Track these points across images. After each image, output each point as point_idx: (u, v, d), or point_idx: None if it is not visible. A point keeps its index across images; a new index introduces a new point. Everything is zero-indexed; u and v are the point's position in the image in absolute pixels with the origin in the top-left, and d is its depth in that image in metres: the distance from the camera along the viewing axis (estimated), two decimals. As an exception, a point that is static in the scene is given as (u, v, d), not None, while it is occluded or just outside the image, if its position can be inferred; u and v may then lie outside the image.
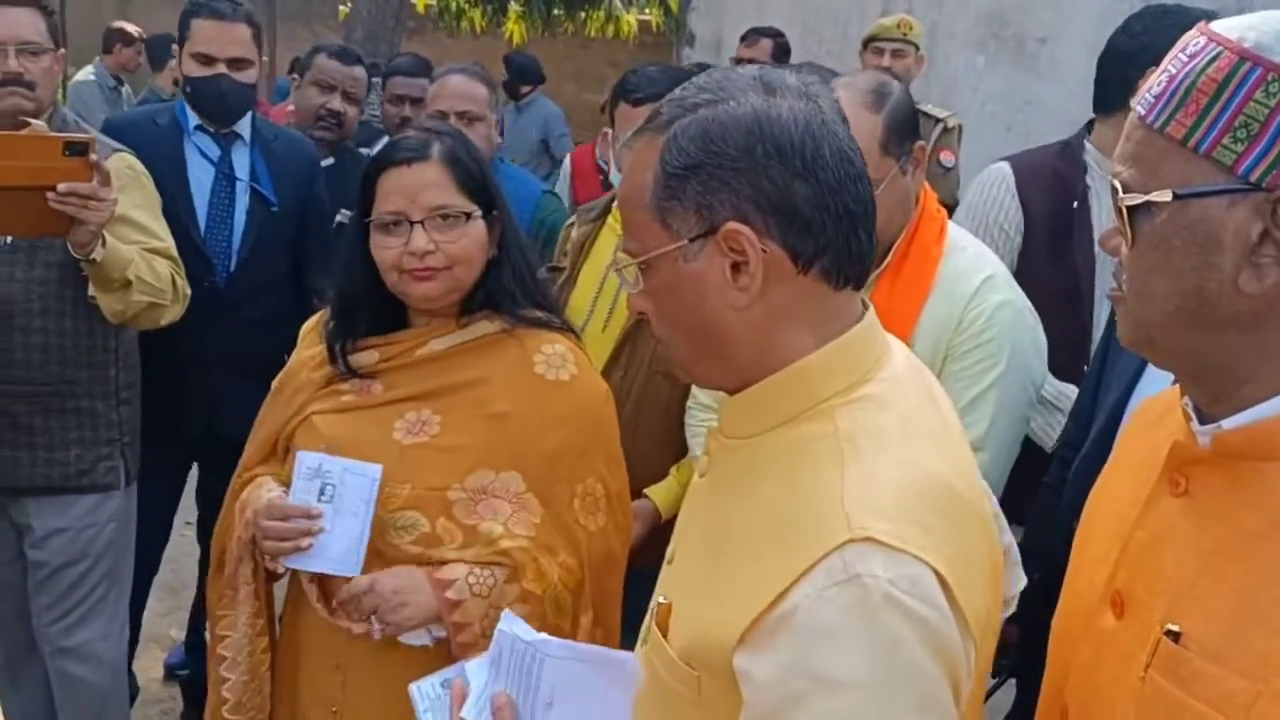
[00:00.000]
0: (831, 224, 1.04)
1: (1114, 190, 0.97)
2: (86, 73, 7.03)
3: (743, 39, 4.88)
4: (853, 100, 1.94)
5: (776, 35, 4.79)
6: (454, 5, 11.66)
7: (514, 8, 11.46)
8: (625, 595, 1.88)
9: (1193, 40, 0.94)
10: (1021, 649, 1.72)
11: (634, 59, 9.20)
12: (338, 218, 3.22)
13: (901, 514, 0.97)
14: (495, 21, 11.62)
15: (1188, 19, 2.12)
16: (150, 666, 3.56)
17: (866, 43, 4.28)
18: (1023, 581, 1.26)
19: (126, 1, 12.23)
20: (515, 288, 1.83)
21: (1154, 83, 0.96)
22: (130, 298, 2.38)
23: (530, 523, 1.75)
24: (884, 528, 0.95)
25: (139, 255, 2.39)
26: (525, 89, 6.95)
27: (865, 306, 1.12)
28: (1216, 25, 0.94)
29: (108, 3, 11.75)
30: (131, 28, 7.23)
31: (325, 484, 1.71)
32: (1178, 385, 1.06)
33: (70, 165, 2.16)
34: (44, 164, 2.15)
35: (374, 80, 4.23)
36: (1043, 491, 2.06)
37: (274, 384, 1.94)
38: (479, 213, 1.78)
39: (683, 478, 2.35)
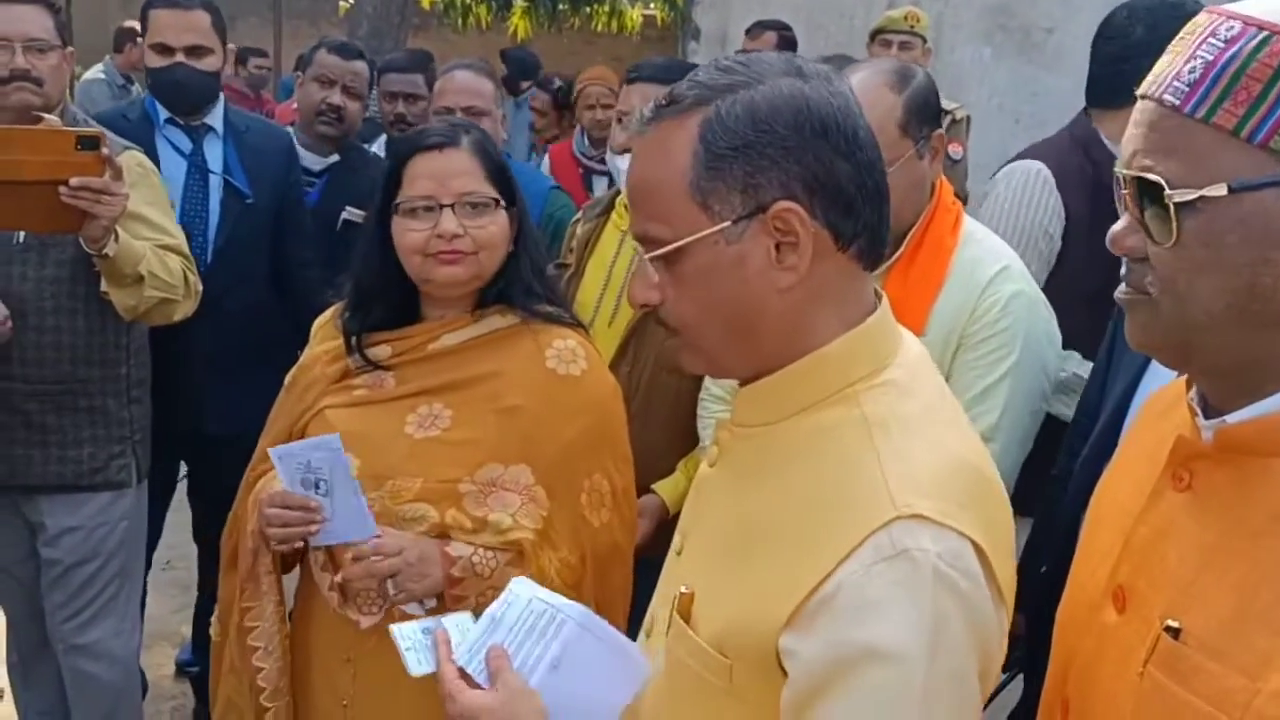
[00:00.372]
0: (869, 204, 1.05)
1: (1141, 185, 0.92)
2: (96, 71, 7.05)
3: (748, 32, 4.87)
4: (875, 79, 1.97)
5: (782, 28, 4.77)
6: (459, 1, 11.65)
7: (519, 3, 11.45)
8: (634, 589, 1.89)
9: (1222, 24, 0.90)
10: (1029, 642, 1.72)
11: (638, 54, 9.20)
12: (343, 215, 3.23)
13: (941, 491, 0.99)
14: (500, 17, 11.62)
15: (1198, 9, 2.10)
16: (161, 663, 3.58)
17: (874, 35, 4.28)
18: None
19: (131, 1, 12.25)
20: (531, 281, 1.85)
21: (1178, 70, 0.91)
22: (143, 293, 2.39)
23: (538, 515, 1.76)
24: (929, 504, 0.97)
25: (151, 251, 2.40)
26: (525, 84, 6.94)
27: (879, 295, 1.12)
28: (1241, 9, 0.91)
29: (113, 2, 11.77)
30: None
31: (319, 479, 1.73)
32: (1185, 377, 1.04)
33: (83, 160, 2.17)
34: (57, 158, 2.16)
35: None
36: (1050, 484, 2.06)
37: (287, 379, 1.95)
38: (504, 203, 1.79)
39: (690, 472, 2.35)
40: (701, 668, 1.06)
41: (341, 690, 1.82)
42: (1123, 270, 0.98)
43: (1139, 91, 0.96)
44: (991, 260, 2.02)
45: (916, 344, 1.14)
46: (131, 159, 2.46)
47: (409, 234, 1.75)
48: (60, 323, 2.45)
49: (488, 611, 1.25)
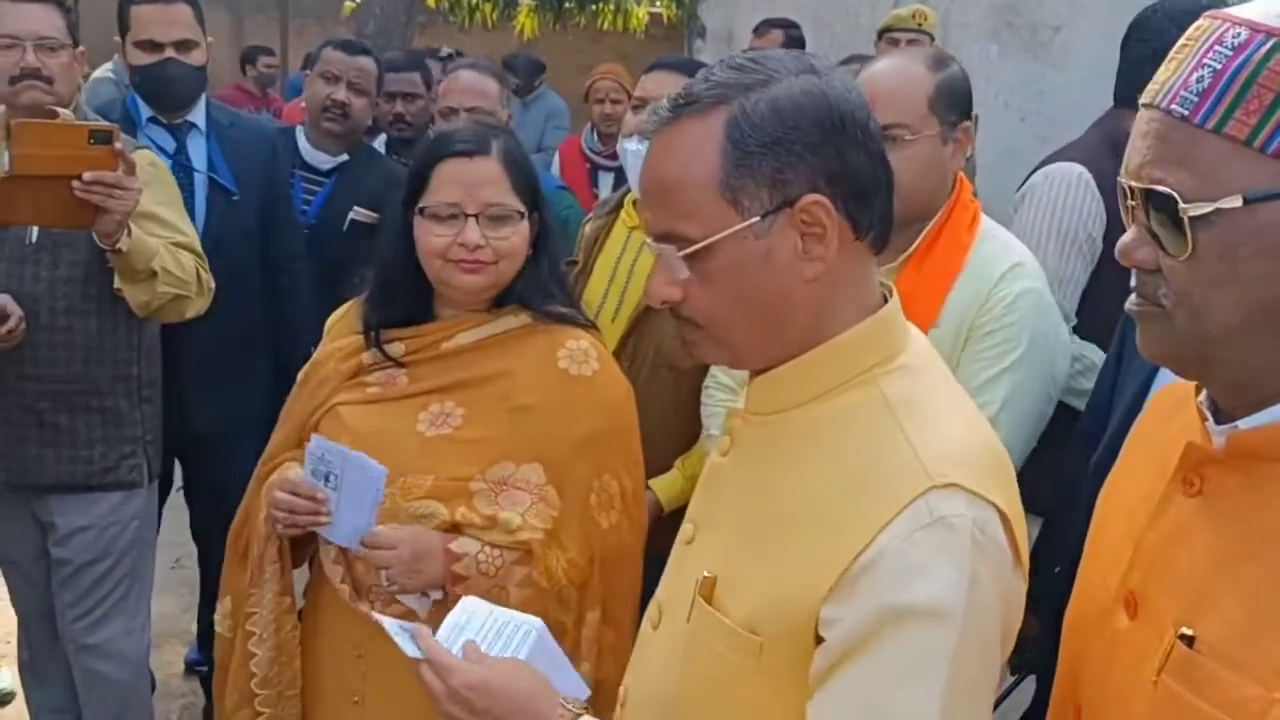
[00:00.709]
0: (882, 194, 1.10)
1: (1152, 197, 0.91)
2: (104, 70, 7.04)
3: (755, 30, 4.87)
4: (913, 57, 2.03)
5: (788, 26, 4.77)
6: (465, 0, 11.66)
7: (525, 1, 11.45)
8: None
9: (1228, 31, 0.88)
10: (1041, 644, 1.72)
11: (644, 52, 9.19)
12: (350, 215, 3.23)
13: (969, 462, 1.04)
14: (506, 15, 11.62)
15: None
16: (171, 661, 3.59)
17: (881, 34, 4.27)
18: None
19: (139, 0, 12.23)
20: (549, 284, 1.85)
21: (1184, 78, 0.89)
22: (156, 289, 2.40)
23: (549, 515, 1.77)
24: (961, 473, 1.01)
25: (164, 247, 2.41)
26: (536, 82, 6.95)
27: (890, 290, 1.15)
28: (1245, 13, 0.88)
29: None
30: None
31: (329, 473, 1.74)
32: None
33: (95, 154, 2.18)
34: (70, 153, 2.17)
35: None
36: (1060, 484, 2.06)
37: (300, 375, 1.96)
38: (528, 213, 1.79)
39: (687, 470, 2.36)
40: (729, 649, 1.08)
41: (352, 686, 1.83)
42: (1133, 281, 0.97)
43: (1143, 100, 0.94)
44: (1006, 257, 2.02)
45: (922, 337, 1.17)
46: (144, 158, 2.47)
47: (432, 238, 1.76)
48: (72, 323, 2.46)
49: (448, 621, 1.28)
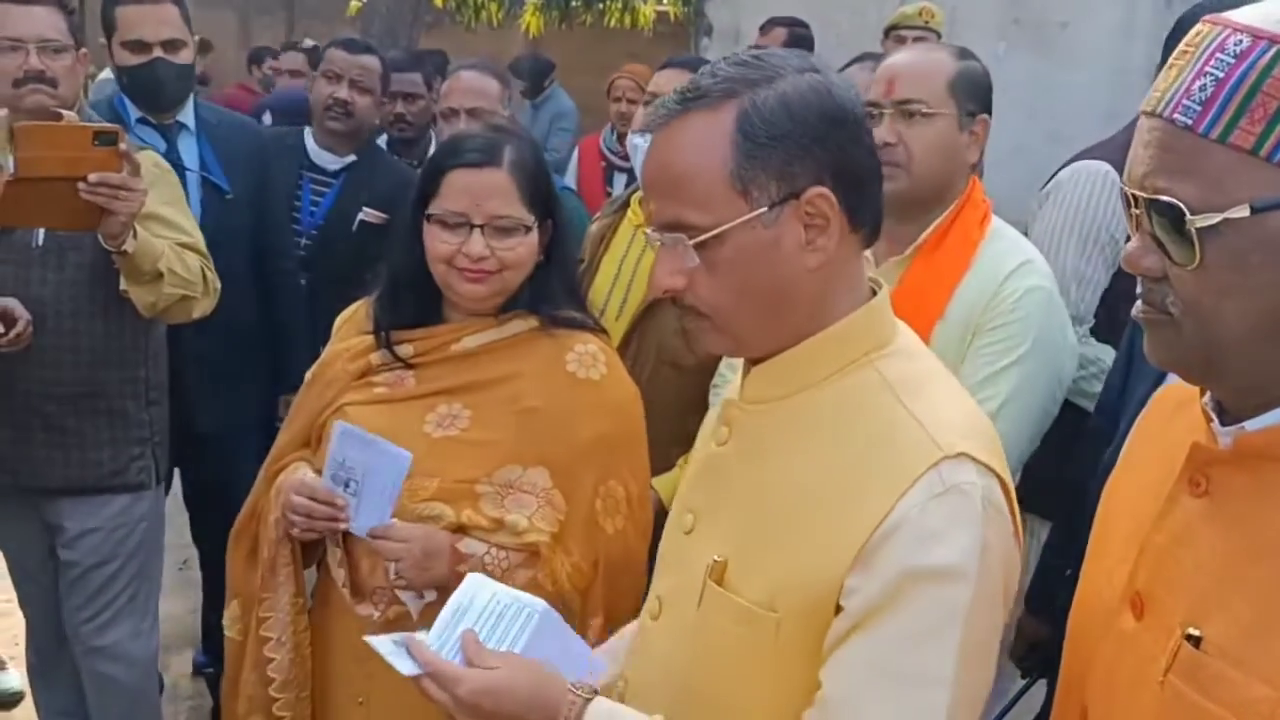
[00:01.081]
0: (876, 187, 1.16)
1: (1154, 207, 0.90)
2: (108, 71, 7.05)
3: (761, 29, 4.85)
4: (936, 47, 2.11)
5: (795, 24, 4.75)
6: (471, -1, 11.67)
7: (531, 0, 11.45)
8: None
9: (1230, 38, 0.88)
10: (1051, 647, 1.71)
11: (651, 50, 9.18)
12: (360, 216, 3.23)
13: (973, 434, 1.10)
14: (512, 14, 11.62)
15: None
16: (178, 663, 3.59)
17: (888, 31, 4.26)
18: None
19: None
20: (558, 291, 1.85)
21: (1186, 87, 0.89)
22: (162, 290, 2.40)
23: (555, 518, 1.77)
24: (969, 444, 1.08)
25: (170, 248, 2.41)
26: (545, 84, 6.94)
27: (878, 283, 1.21)
28: (1246, 19, 0.88)
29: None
30: None
31: (350, 479, 1.74)
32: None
33: (101, 155, 2.18)
34: (75, 154, 2.16)
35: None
36: (1069, 488, 2.05)
37: (308, 375, 1.96)
38: (536, 224, 1.79)
39: (689, 469, 2.36)
40: (745, 628, 1.12)
41: (357, 687, 1.83)
42: (1139, 289, 0.97)
43: (1144, 108, 0.93)
44: (1015, 254, 2.03)
45: (909, 329, 1.23)
46: (148, 159, 2.47)
47: (438, 244, 1.76)
48: (79, 326, 2.46)
49: (452, 600, 1.29)
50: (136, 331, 2.54)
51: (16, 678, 3.38)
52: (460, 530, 1.75)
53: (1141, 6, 5.23)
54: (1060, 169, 2.60)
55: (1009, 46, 6.41)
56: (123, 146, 2.20)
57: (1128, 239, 0.83)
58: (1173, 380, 1.09)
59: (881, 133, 2.00)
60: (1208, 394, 1.01)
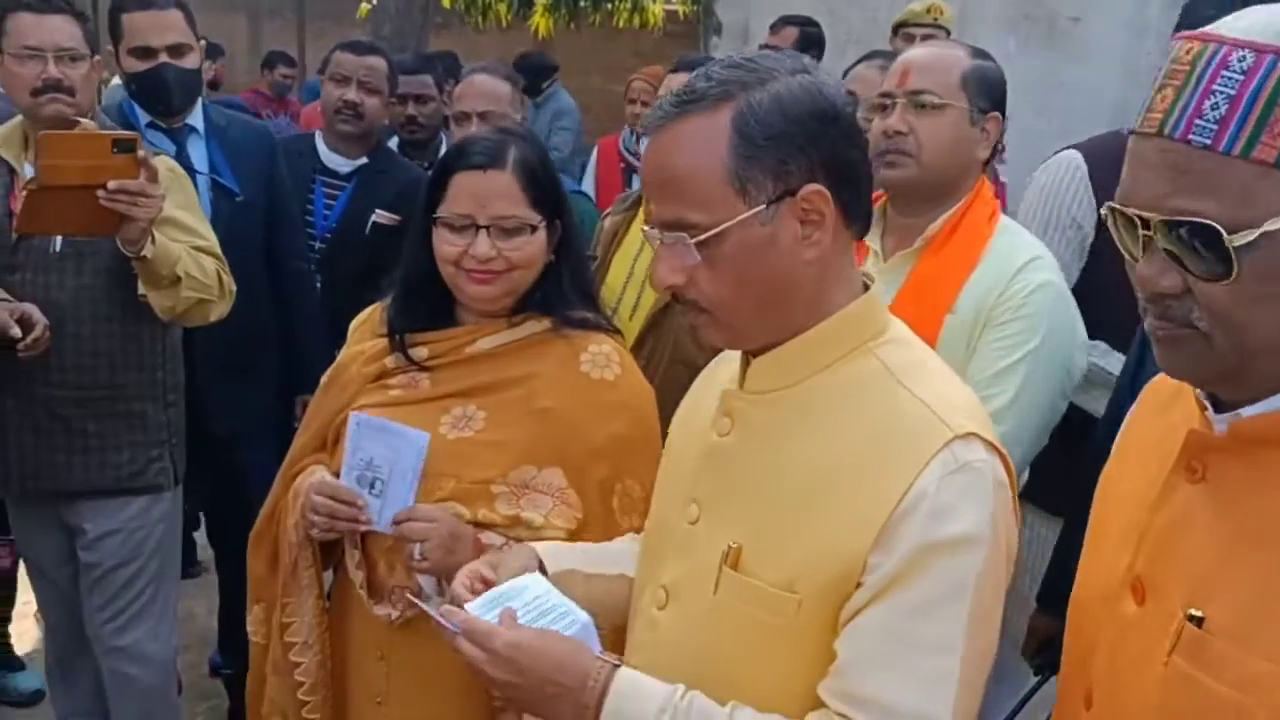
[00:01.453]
0: (868, 184, 1.20)
1: (1180, 228, 0.90)
2: (119, 78, 7.08)
3: (771, 27, 4.85)
4: (953, 44, 2.14)
5: (805, 23, 4.74)
6: (481, 0, 11.67)
7: (540, 0, 11.45)
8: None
9: (1232, 54, 0.89)
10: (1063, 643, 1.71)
11: (660, 49, 9.19)
12: (372, 218, 3.24)
13: (977, 414, 1.17)
14: (521, 15, 11.62)
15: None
16: (197, 663, 3.61)
17: (896, 29, 4.25)
18: None
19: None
20: (570, 291, 1.86)
21: (1195, 106, 0.90)
22: (179, 294, 2.42)
23: (572, 516, 1.78)
24: (975, 424, 1.14)
25: (186, 253, 2.43)
26: (544, 85, 6.93)
27: (869, 278, 1.26)
28: (1238, 34, 0.89)
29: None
30: None
31: (376, 478, 1.75)
32: None
33: (119, 162, 2.21)
34: (94, 162, 2.19)
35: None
36: (1083, 485, 2.05)
37: (324, 378, 1.97)
38: (543, 223, 1.80)
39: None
40: (764, 611, 1.17)
41: (376, 687, 1.85)
42: (1150, 306, 0.97)
43: (1143, 130, 0.94)
44: (1025, 249, 2.04)
45: (899, 320, 1.28)
46: (162, 164, 2.48)
47: (445, 246, 1.78)
48: (98, 330, 2.48)
49: (504, 584, 1.32)
50: (154, 334, 2.56)
51: (36, 677, 3.41)
52: (475, 527, 1.76)
53: (1153, 2, 5.20)
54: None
55: (1019, 42, 6.39)
56: (141, 153, 2.23)
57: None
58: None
59: (892, 122, 2.02)
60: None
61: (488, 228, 1.75)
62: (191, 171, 2.85)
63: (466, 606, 1.27)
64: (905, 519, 1.10)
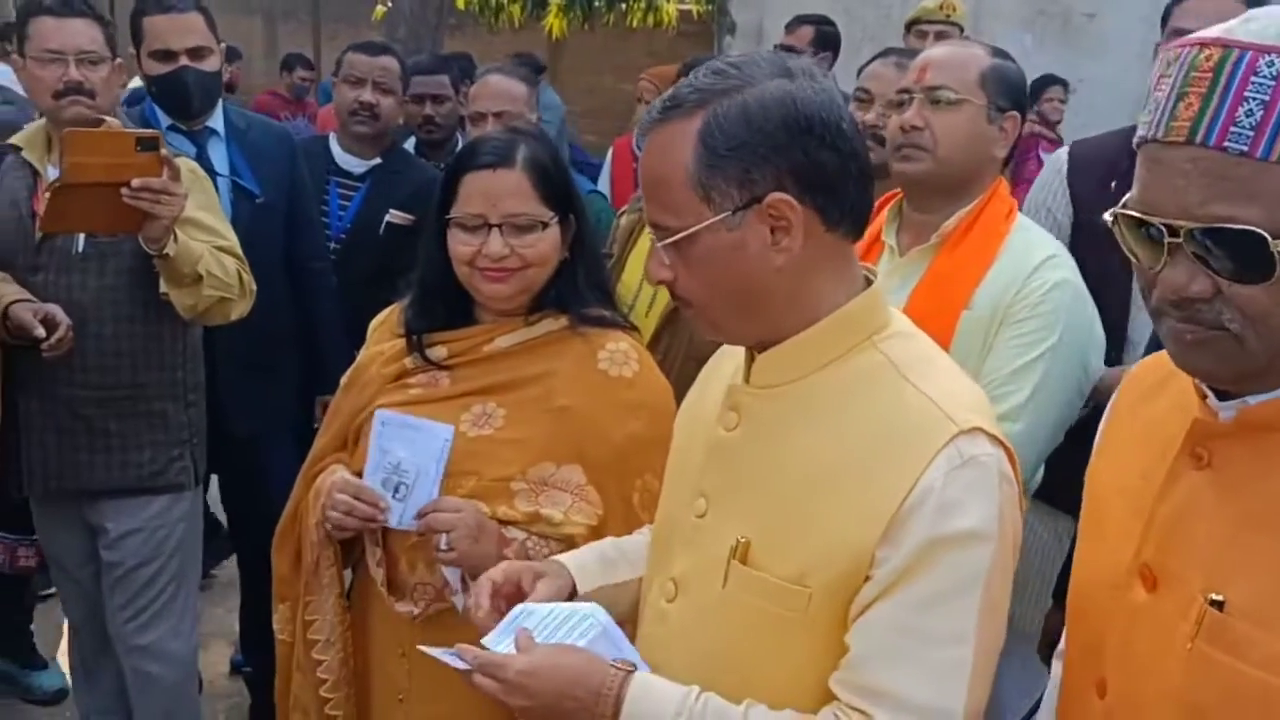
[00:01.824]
0: (853, 186, 1.20)
1: (1220, 235, 0.91)
2: (138, 80, 7.12)
3: (787, 27, 4.83)
4: (973, 44, 2.15)
5: (821, 22, 4.72)
6: (494, 1, 11.67)
7: (554, 1, 11.46)
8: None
9: (1259, 60, 0.90)
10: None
11: (674, 49, 9.18)
12: (386, 219, 3.25)
13: (981, 410, 1.19)
14: (535, 15, 11.63)
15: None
16: (217, 662, 3.64)
17: (909, 26, 4.25)
18: None
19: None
20: (585, 288, 1.87)
21: (1228, 114, 0.91)
22: (201, 292, 2.44)
23: (593, 513, 1.79)
24: (980, 419, 1.16)
25: (209, 251, 2.45)
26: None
27: (872, 273, 1.28)
28: (1258, 39, 0.90)
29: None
30: None
31: (401, 482, 1.77)
32: (1164, 360, 1.06)
33: (142, 161, 2.22)
34: (118, 160, 2.21)
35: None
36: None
37: (344, 379, 1.99)
38: (556, 220, 1.81)
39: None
40: (774, 604, 1.18)
41: (398, 684, 1.86)
42: (1172, 310, 0.97)
43: (1169, 139, 0.94)
44: (1042, 247, 2.05)
45: (900, 313, 1.30)
46: (184, 165, 2.50)
47: (459, 246, 1.80)
48: (120, 330, 2.50)
49: (512, 611, 1.33)
50: (175, 334, 2.57)
51: (59, 676, 3.44)
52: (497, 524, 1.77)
53: (1170, -5, 5.17)
54: None
55: (1036, 38, 6.37)
56: (163, 152, 2.25)
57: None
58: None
59: (908, 116, 2.04)
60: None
61: (500, 226, 1.77)
62: (212, 173, 2.86)
63: (483, 642, 1.30)
64: (912, 514, 1.12)
